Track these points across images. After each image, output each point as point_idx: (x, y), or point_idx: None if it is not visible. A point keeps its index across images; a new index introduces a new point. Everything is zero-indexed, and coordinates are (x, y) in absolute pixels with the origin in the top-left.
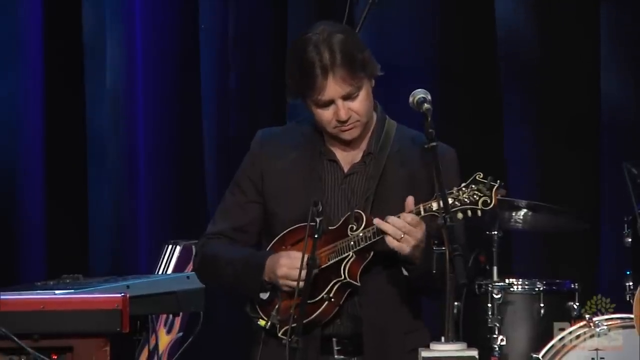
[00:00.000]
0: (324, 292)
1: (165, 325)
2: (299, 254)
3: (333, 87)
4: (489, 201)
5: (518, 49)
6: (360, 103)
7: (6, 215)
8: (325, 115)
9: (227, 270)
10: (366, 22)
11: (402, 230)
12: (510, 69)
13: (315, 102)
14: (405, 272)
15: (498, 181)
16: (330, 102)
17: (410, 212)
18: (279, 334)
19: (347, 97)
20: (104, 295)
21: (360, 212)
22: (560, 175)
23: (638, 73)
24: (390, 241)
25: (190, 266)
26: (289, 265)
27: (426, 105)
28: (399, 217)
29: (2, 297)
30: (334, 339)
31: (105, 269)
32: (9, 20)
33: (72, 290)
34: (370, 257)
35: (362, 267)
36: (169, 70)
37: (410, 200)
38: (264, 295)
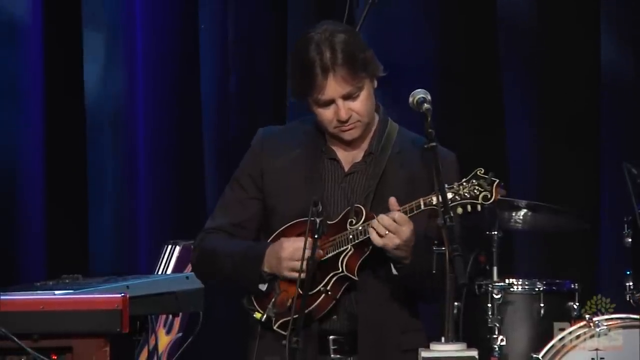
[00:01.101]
0: (321, 285)
1: (164, 325)
2: (302, 238)
3: (333, 87)
4: (489, 196)
5: (518, 46)
6: (361, 103)
7: (6, 216)
8: (326, 114)
9: (226, 262)
10: (366, 22)
11: (387, 227)
12: (510, 70)
13: (315, 102)
14: (394, 271)
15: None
16: (331, 101)
17: (398, 210)
18: (275, 327)
19: (347, 97)
20: (104, 295)
21: (360, 206)
22: (560, 175)
23: (638, 71)
24: (374, 237)
25: (190, 266)
26: (293, 246)
27: (426, 106)
28: (388, 214)
29: (2, 297)
30: (330, 338)
31: (105, 269)
32: (8, 16)
33: (72, 291)
34: (368, 251)
35: (360, 261)
36: (169, 74)
37: (392, 200)
38: (263, 287)
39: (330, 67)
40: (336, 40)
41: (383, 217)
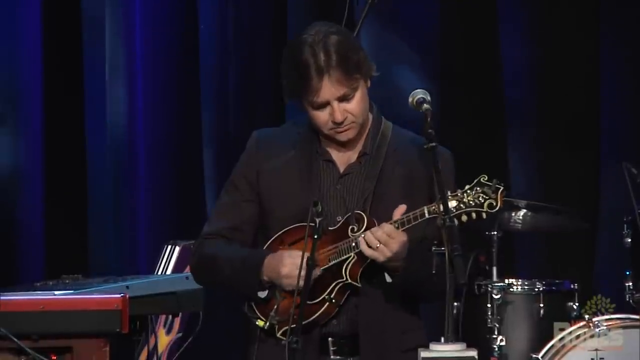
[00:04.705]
0: (325, 293)
1: (164, 325)
2: (300, 253)
3: (328, 89)
4: (494, 204)
5: (519, 46)
6: (356, 104)
7: (6, 216)
8: (321, 116)
9: (225, 268)
10: (365, 22)
11: (378, 239)
12: (510, 70)
13: (310, 104)
14: (388, 279)
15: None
16: (326, 103)
17: (395, 222)
18: (278, 335)
19: (342, 99)
20: (104, 295)
21: (361, 213)
22: (560, 175)
23: (637, 72)
24: (365, 249)
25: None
26: (292, 264)
27: (425, 106)
28: (379, 227)
29: (1, 297)
30: (330, 339)
31: (105, 269)
32: (9, 16)
33: (72, 291)
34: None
35: (362, 268)
36: (168, 71)
37: (399, 210)
38: (262, 294)
39: (324, 69)
40: (330, 42)
41: (374, 230)
